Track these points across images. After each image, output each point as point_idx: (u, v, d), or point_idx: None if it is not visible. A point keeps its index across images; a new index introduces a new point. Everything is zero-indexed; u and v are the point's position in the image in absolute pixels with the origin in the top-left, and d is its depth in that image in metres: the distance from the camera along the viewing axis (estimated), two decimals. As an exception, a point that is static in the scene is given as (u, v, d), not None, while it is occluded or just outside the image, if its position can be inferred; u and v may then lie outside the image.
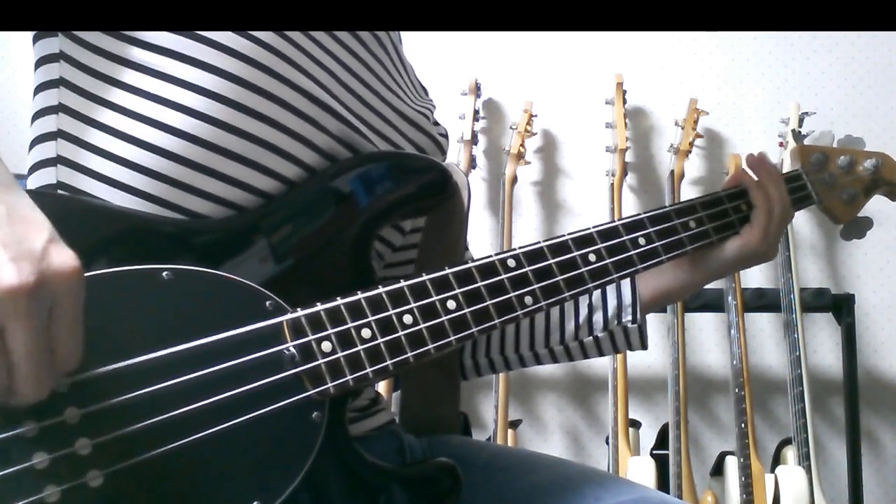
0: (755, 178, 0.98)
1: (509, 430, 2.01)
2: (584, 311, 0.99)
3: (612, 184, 2.12)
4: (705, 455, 2.18)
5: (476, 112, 2.22)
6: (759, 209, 0.96)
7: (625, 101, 2.17)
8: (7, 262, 0.51)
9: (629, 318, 0.97)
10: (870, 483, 2.12)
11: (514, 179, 2.19)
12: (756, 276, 2.25)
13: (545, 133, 2.34)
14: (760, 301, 2.09)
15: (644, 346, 1.01)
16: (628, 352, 1.97)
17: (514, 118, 2.25)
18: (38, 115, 0.78)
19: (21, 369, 0.52)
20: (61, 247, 0.55)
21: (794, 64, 2.31)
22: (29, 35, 0.79)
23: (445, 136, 0.99)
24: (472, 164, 2.21)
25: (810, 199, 1.04)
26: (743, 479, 1.82)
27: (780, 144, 2.17)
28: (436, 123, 0.98)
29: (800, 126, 2.11)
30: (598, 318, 0.99)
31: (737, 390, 1.92)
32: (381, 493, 0.73)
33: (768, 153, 2.22)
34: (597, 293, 0.98)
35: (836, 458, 2.16)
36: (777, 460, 1.98)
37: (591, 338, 0.99)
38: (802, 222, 2.26)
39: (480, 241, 2.29)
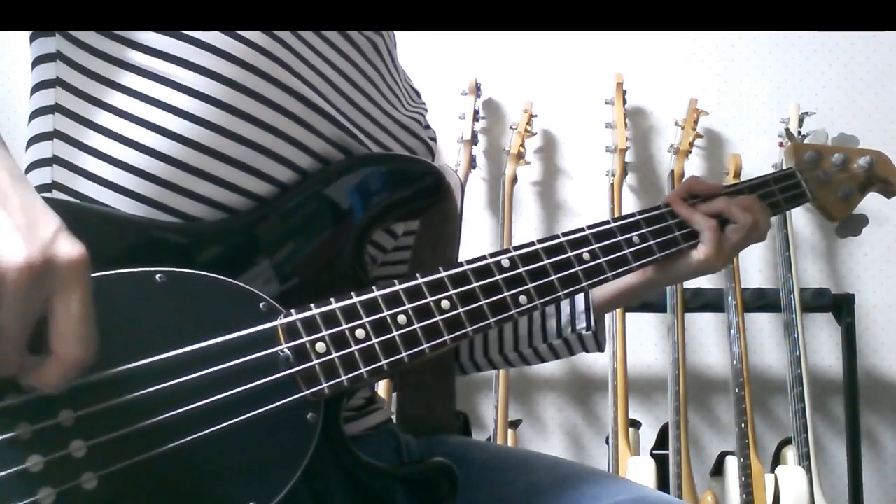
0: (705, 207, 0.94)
1: (509, 430, 2.01)
2: (537, 318, 0.99)
3: (612, 184, 2.12)
4: (705, 455, 2.18)
5: (476, 112, 2.22)
6: (704, 233, 0.92)
7: (625, 101, 2.17)
8: (17, 241, 0.52)
9: (583, 325, 0.97)
10: (870, 483, 2.11)
11: (514, 179, 2.19)
12: (756, 276, 2.25)
13: (545, 133, 2.34)
14: (760, 301, 2.09)
15: (600, 350, 1.00)
16: (627, 352, 2.00)
17: (514, 118, 2.24)
18: (34, 115, 0.78)
19: None
20: (70, 237, 0.55)
21: (794, 64, 2.30)
22: (28, 34, 0.79)
23: (434, 139, 0.99)
24: (472, 164, 2.20)
25: (804, 196, 1.04)
26: (743, 479, 1.82)
27: (780, 144, 2.17)
28: (426, 127, 0.97)
29: (800, 126, 2.11)
30: (551, 325, 0.98)
31: (737, 390, 1.92)
32: (380, 493, 0.73)
33: (768, 153, 2.24)
34: None
35: (836, 458, 2.16)
36: (777, 460, 1.97)
37: (545, 345, 0.99)
38: (803, 223, 2.26)
39: (480, 241, 2.29)
